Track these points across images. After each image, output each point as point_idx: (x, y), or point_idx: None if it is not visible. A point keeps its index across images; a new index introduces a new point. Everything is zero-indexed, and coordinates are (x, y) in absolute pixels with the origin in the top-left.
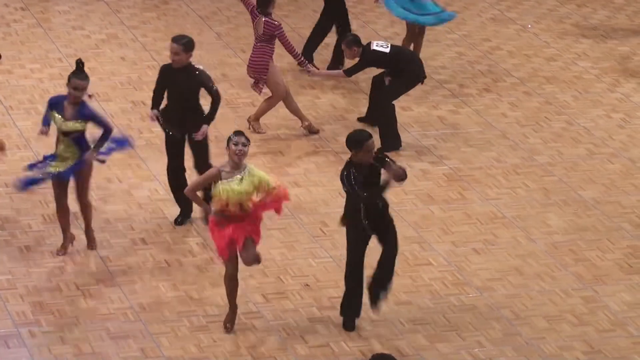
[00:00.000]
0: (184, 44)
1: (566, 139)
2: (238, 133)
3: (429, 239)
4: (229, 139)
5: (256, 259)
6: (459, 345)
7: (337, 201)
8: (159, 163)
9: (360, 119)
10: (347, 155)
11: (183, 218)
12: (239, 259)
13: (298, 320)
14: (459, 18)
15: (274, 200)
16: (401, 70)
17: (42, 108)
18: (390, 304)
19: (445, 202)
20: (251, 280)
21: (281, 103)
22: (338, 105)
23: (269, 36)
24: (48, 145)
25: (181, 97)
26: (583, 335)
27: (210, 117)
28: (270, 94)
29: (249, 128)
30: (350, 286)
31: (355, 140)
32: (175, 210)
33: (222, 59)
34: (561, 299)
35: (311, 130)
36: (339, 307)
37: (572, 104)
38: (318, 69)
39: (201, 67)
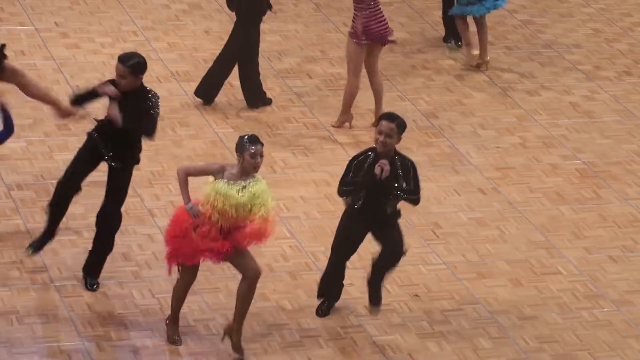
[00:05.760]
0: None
1: None
2: (256, 140)
3: (557, 244)
4: (244, 146)
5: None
6: None
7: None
8: None
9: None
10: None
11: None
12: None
13: (405, 336)
14: None
15: (253, 233)
16: None
17: None
18: (512, 318)
19: (578, 201)
20: (351, 289)
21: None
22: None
23: None
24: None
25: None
26: None
27: None
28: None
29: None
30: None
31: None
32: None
33: (321, 33)
34: None
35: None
36: (458, 320)
37: None
38: None
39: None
